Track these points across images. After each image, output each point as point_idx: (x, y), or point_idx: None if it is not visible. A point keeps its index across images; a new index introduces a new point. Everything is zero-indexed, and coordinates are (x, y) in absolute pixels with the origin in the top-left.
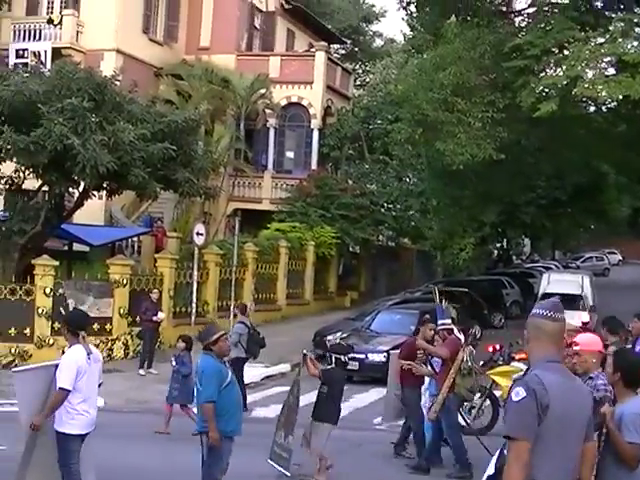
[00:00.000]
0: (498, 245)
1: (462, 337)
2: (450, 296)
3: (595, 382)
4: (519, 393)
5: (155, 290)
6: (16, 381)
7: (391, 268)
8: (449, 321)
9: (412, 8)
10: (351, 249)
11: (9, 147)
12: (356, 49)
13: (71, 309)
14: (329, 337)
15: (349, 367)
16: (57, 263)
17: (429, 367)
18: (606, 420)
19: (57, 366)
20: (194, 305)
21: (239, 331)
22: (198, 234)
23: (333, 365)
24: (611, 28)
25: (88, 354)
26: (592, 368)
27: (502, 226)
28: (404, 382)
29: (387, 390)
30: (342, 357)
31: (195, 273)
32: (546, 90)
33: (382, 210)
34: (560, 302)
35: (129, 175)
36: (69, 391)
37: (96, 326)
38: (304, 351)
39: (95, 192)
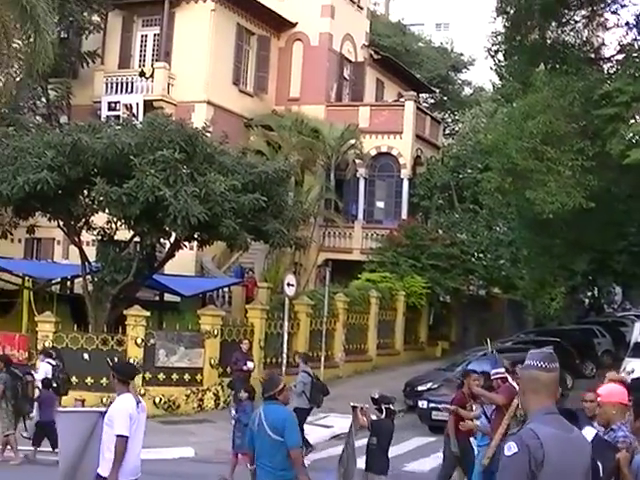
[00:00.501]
0: (589, 294)
1: (516, 385)
2: (541, 346)
3: (616, 434)
4: (511, 448)
5: (245, 340)
6: (59, 421)
7: (482, 318)
8: (502, 370)
9: (500, 57)
10: (442, 299)
11: (102, 199)
12: (445, 98)
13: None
14: (419, 387)
15: (439, 417)
16: (148, 313)
17: (483, 417)
18: (620, 465)
19: (103, 414)
20: (285, 355)
21: (304, 380)
22: (289, 285)
23: (383, 416)
24: None
25: (137, 403)
26: (614, 419)
27: (593, 274)
28: (458, 434)
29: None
30: (390, 406)
31: (286, 324)
32: (636, 137)
33: (472, 259)
34: (553, 352)
35: (220, 226)
36: (127, 437)
37: (187, 376)
38: (352, 403)
39: (186, 243)
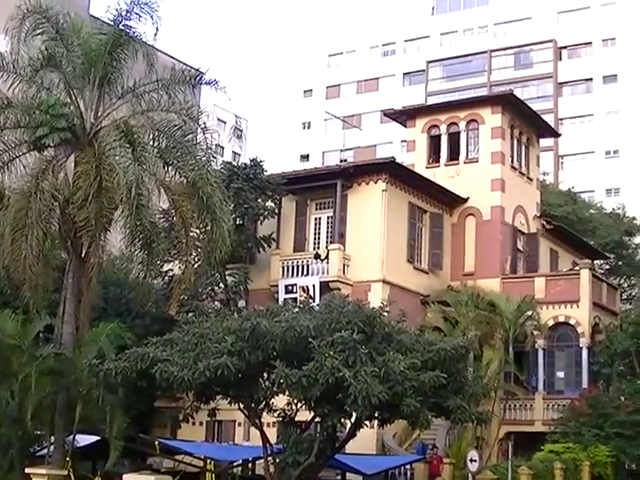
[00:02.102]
0: None
1: None
2: None
3: None
4: None
5: None
6: None
7: None
8: None
9: None
10: (627, 467)
11: (282, 382)
12: (620, 263)
13: None
14: None
15: None
16: None
17: None
18: None
19: None
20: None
21: None
22: (471, 460)
23: None
24: None
25: None
26: None
27: None
28: None
29: None
30: None
31: None
32: None
33: None
34: None
35: (401, 405)
36: None
37: None
38: None
39: (367, 422)
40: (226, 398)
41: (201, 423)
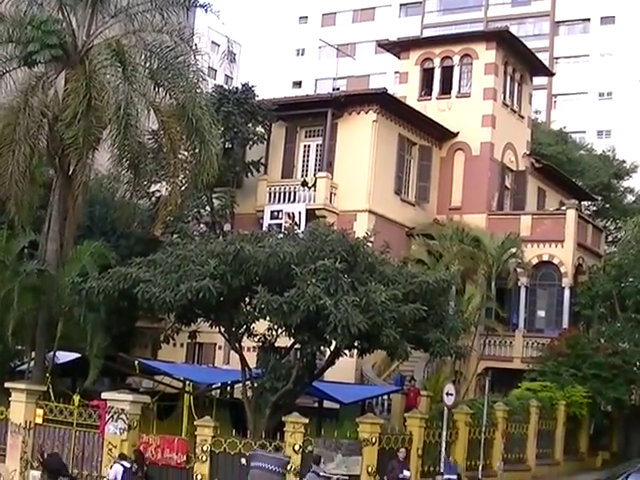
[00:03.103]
0: None
1: None
2: None
3: None
4: None
5: (402, 449)
6: None
7: None
8: (455, 477)
9: None
10: (603, 409)
11: (263, 307)
12: (607, 206)
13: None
14: None
15: None
16: (307, 420)
17: None
18: None
19: None
20: (442, 464)
21: None
22: (448, 394)
23: None
24: None
25: None
26: None
27: None
28: None
29: None
30: None
31: (444, 433)
32: None
33: (635, 369)
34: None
35: (381, 335)
36: None
37: None
38: None
39: (346, 351)
40: (207, 321)
41: (182, 345)
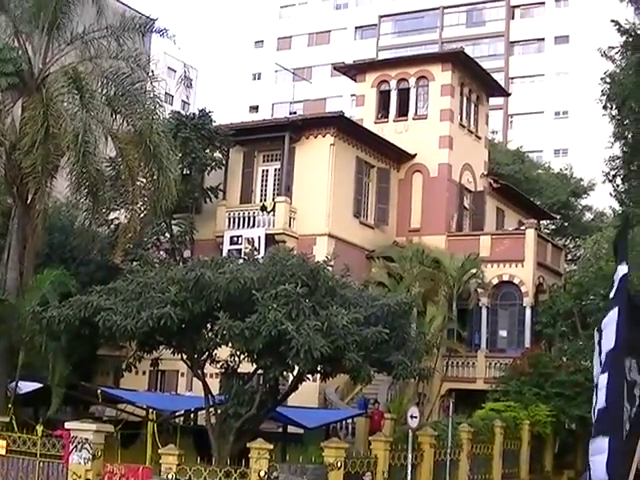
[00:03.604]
0: None
1: None
2: None
3: None
4: None
5: (368, 473)
6: None
7: None
8: None
9: (618, 181)
10: (567, 427)
11: (225, 333)
12: (566, 224)
13: None
14: None
15: None
16: (272, 446)
17: None
18: None
19: None
20: None
21: None
22: (412, 417)
23: None
24: None
25: None
26: None
27: None
28: None
29: None
30: None
31: (410, 455)
32: None
33: None
34: None
35: (343, 359)
36: None
37: None
38: None
39: (309, 375)
40: (169, 348)
41: (144, 372)
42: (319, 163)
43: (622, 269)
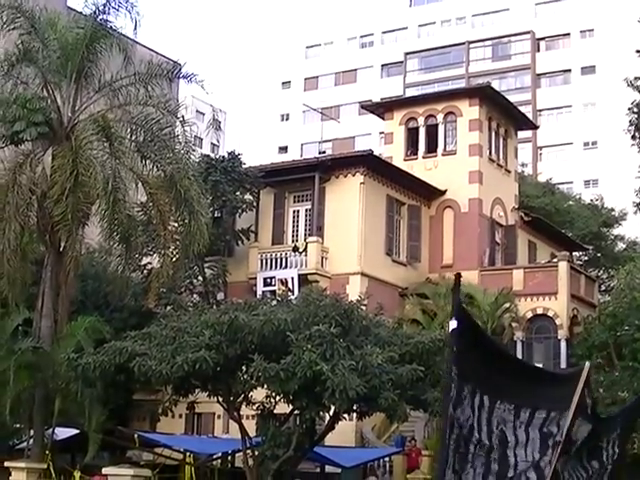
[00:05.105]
0: None
1: None
2: None
3: None
4: None
5: None
6: None
7: None
8: None
9: None
10: None
11: (260, 375)
12: (598, 255)
13: None
14: None
15: None
16: None
17: None
18: None
19: None
20: None
21: None
22: None
23: None
24: None
25: None
26: None
27: None
28: None
29: None
30: None
31: None
32: None
33: None
34: None
35: (379, 398)
36: None
37: None
38: None
39: (345, 415)
40: (205, 391)
41: (180, 416)
42: (350, 202)
43: None
